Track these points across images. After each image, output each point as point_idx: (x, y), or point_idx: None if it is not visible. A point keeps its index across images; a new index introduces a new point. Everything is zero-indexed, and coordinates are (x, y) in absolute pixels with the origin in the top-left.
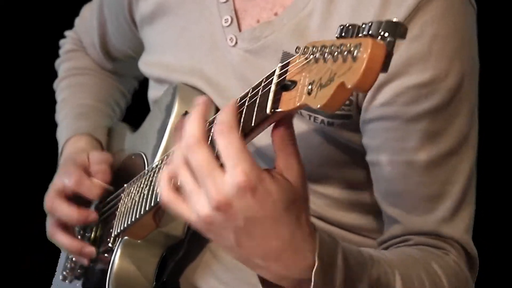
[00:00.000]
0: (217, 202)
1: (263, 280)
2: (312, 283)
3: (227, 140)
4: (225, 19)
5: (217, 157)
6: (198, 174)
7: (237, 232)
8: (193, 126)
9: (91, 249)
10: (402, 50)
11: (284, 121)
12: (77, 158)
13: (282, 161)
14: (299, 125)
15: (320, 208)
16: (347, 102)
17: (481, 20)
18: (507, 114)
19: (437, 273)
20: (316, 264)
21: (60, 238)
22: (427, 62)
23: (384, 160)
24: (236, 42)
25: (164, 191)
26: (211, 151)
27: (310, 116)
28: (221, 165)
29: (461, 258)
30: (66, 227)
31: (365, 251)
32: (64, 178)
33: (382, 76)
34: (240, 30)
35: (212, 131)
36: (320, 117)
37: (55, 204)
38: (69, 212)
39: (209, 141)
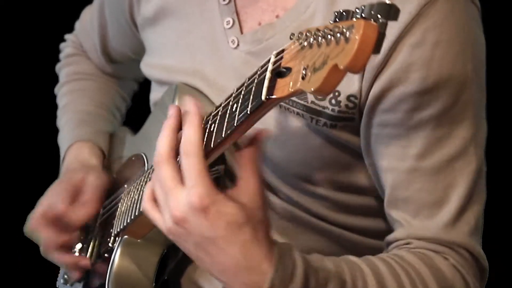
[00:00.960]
0: (175, 217)
1: None
2: None
3: (188, 161)
4: (227, 21)
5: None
6: (163, 190)
7: (196, 246)
8: (160, 143)
9: (85, 262)
10: (404, 56)
11: (254, 141)
12: (73, 179)
13: (242, 180)
14: (301, 127)
15: (321, 210)
16: (351, 105)
17: (484, 19)
18: (507, 114)
19: (423, 275)
20: (266, 284)
21: (52, 256)
22: (429, 69)
23: (387, 166)
24: (238, 44)
25: (144, 201)
26: (173, 168)
27: (312, 118)
28: None
29: (466, 263)
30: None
31: (335, 271)
32: (50, 202)
33: (384, 82)
34: (241, 32)
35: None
36: (323, 120)
37: (37, 228)
38: (48, 236)
39: (205, 138)
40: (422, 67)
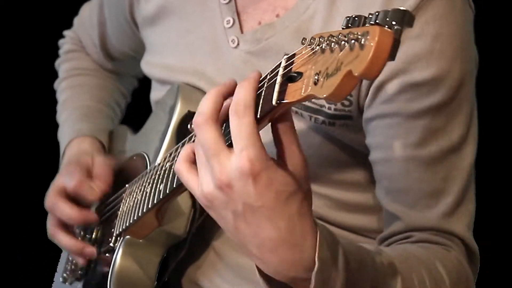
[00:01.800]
0: (220, 181)
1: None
2: (313, 285)
3: (239, 122)
4: (227, 21)
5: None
6: (206, 153)
7: (235, 215)
8: (204, 103)
9: (91, 250)
10: (404, 48)
11: (283, 113)
12: (81, 159)
13: (284, 151)
14: (300, 126)
15: (320, 209)
16: (347, 103)
17: (480, 21)
18: (507, 114)
19: (440, 272)
20: (316, 266)
21: (61, 238)
22: (429, 60)
23: (385, 156)
24: (238, 44)
25: (178, 161)
26: (217, 130)
27: (311, 117)
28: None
29: (462, 254)
30: (66, 227)
31: (365, 251)
32: (65, 178)
33: (383, 75)
34: (242, 31)
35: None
36: (321, 118)
37: (56, 204)
38: (69, 212)
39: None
40: (422, 58)
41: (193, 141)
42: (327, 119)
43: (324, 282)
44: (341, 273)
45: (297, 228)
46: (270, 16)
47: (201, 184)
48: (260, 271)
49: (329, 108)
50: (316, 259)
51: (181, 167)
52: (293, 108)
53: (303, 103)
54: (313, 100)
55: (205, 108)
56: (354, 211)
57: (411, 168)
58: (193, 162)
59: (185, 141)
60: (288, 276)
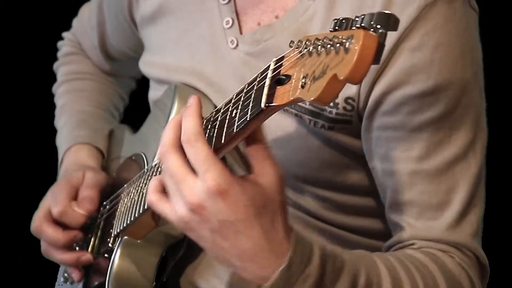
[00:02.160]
0: (191, 204)
1: None
2: (271, 280)
3: (194, 149)
4: (226, 21)
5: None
6: (173, 179)
7: (212, 232)
8: (165, 134)
9: (87, 257)
10: (404, 60)
11: (255, 132)
12: (72, 177)
13: (256, 166)
14: (299, 129)
15: (319, 211)
16: (349, 108)
17: (482, 21)
18: (507, 114)
19: (432, 273)
20: (283, 265)
21: (53, 255)
22: (429, 72)
23: (388, 169)
24: (237, 45)
25: (149, 193)
26: (180, 157)
27: (310, 120)
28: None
29: (470, 262)
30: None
31: (349, 259)
32: (51, 203)
33: (384, 85)
34: (241, 32)
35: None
36: (321, 122)
37: (40, 227)
38: (53, 235)
39: (206, 137)
40: (423, 70)
41: (159, 172)
42: (327, 123)
43: (288, 280)
44: (312, 276)
45: (272, 235)
46: (269, 17)
47: (174, 210)
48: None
49: (330, 112)
50: (287, 259)
51: (152, 198)
52: (292, 110)
53: (304, 105)
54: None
55: (166, 139)
56: (354, 213)
57: (415, 181)
58: (163, 191)
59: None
60: (275, 280)
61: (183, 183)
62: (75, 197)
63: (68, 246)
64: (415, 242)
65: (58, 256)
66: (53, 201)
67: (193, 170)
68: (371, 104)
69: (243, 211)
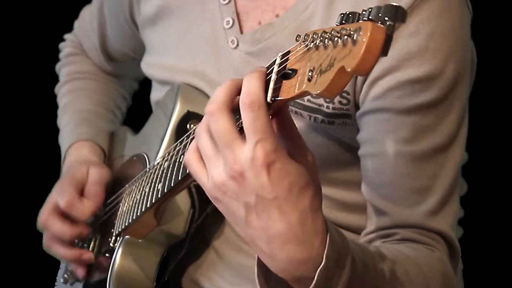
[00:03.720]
0: (233, 170)
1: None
2: (314, 282)
3: (253, 114)
4: (227, 21)
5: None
6: (218, 142)
7: (247, 208)
8: (219, 92)
9: (89, 255)
10: (399, 45)
11: (282, 109)
12: (77, 173)
13: (292, 146)
14: (300, 125)
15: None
16: (345, 101)
17: (478, 21)
18: (506, 114)
19: (428, 276)
20: (322, 263)
21: (56, 249)
22: (423, 58)
23: (374, 151)
24: (238, 44)
25: (188, 152)
26: (232, 119)
27: (310, 116)
28: (242, 135)
29: (445, 253)
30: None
31: (370, 255)
32: (58, 197)
33: (377, 71)
34: (241, 32)
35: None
36: (320, 117)
37: (48, 221)
38: (61, 228)
39: None
40: (416, 56)
41: (191, 139)
42: (326, 118)
43: (326, 281)
44: (346, 275)
45: (308, 223)
46: (270, 16)
47: (211, 174)
48: (259, 270)
49: (327, 107)
50: (324, 256)
51: (191, 157)
52: (292, 107)
53: (302, 102)
54: (311, 99)
55: (220, 96)
56: (354, 211)
57: (399, 163)
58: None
59: (183, 139)
60: (295, 275)
61: (229, 147)
62: (81, 192)
63: (71, 243)
64: (396, 232)
65: (61, 251)
66: (60, 194)
67: (241, 136)
68: (364, 90)
69: (286, 188)
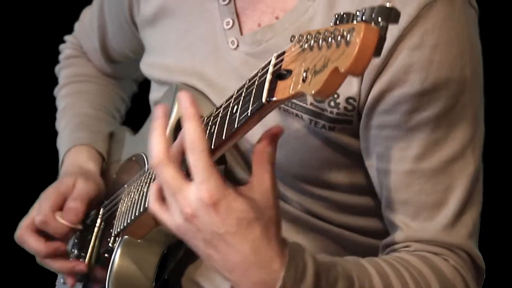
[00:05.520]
0: (186, 214)
1: None
2: None
3: (195, 156)
4: (227, 22)
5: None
6: (168, 191)
7: (205, 243)
8: (154, 146)
9: (81, 267)
10: (404, 58)
11: (271, 139)
12: (62, 185)
13: (256, 176)
14: (300, 129)
15: (320, 210)
16: (350, 108)
17: (482, 20)
18: (507, 114)
19: (426, 277)
20: (279, 284)
21: (49, 264)
22: (428, 71)
23: (385, 168)
24: (238, 45)
25: (150, 201)
26: (174, 167)
27: (311, 120)
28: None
29: (465, 264)
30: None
31: (343, 270)
32: (35, 212)
33: (384, 83)
34: (241, 33)
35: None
36: (321, 122)
37: (24, 237)
38: (35, 245)
39: (206, 135)
40: (421, 69)
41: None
42: (328, 123)
43: None
44: None
45: (262, 251)
46: (269, 18)
47: (172, 218)
48: None
49: (331, 112)
50: (281, 278)
51: (154, 207)
52: (292, 110)
53: (304, 105)
54: (315, 103)
55: (156, 151)
56: (354, 212)
57: (411, 181)
58: (163, 199)
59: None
60: None
61: (179, 192)
62: (61, 205)
63: (62, 254)
64: (410, 244)
65: (53, 264)
66: (38, 210)
67: (188, 179)
68: (370, 102)
69: (234, 223)
